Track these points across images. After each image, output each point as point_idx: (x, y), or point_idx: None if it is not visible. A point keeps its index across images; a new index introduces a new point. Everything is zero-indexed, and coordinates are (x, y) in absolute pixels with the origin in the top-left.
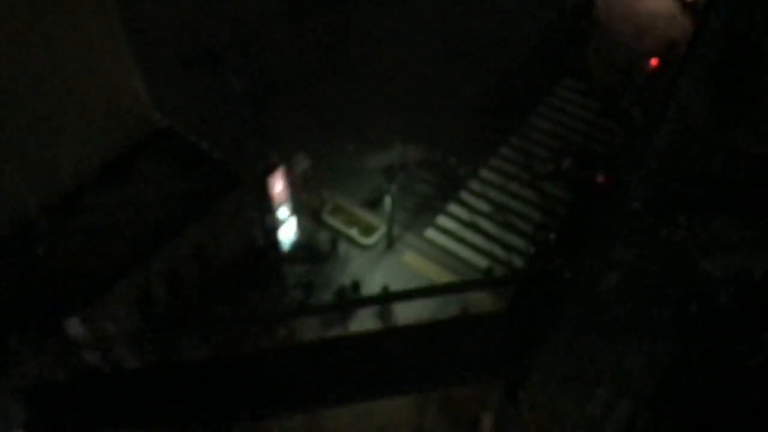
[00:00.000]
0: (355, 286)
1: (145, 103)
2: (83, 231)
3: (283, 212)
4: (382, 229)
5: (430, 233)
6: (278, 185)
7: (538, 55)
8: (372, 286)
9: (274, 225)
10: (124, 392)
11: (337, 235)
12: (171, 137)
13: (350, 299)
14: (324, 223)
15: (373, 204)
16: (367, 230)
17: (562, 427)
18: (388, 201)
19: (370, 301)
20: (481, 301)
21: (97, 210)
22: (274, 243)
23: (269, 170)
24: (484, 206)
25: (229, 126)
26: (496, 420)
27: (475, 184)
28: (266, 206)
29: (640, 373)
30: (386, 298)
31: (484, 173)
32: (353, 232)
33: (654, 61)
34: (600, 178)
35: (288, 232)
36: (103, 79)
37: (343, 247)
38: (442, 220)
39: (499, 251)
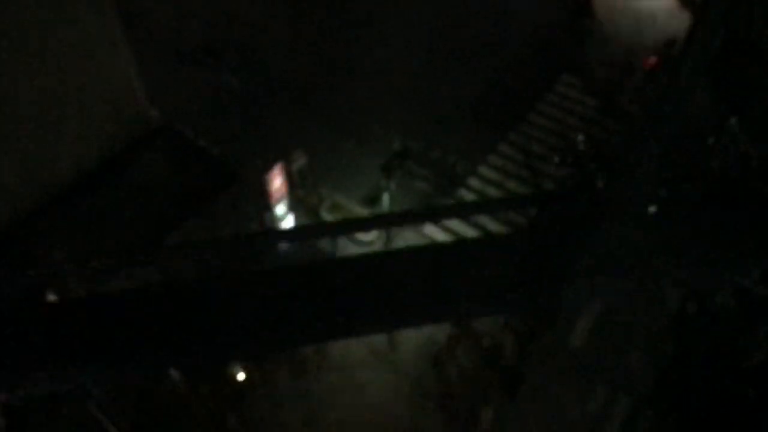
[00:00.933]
0: None
1: (142, 99)
2: (79, 227)
3: (281, 209)
4: None
5: (429, 230)
6: (276, 182)
7: (537, 52)
8: None
9: (272, 222)
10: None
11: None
12: (168, 133)
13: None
14: (322, 220)
15: (372, 201)
16: None
17: (563, 424)
18: (386, 198)
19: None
20: None
21: (93, 206)
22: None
23: (267, 166)
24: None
25: (226, 123)
26: (495, 417)
27: (474, 182)
28: (264, 203)
29: (640, 370)
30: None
31: (483, 170)
32: None
33: (654, 58)
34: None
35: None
36: (100, 74)
37: (341, 244)
38: None
39: None
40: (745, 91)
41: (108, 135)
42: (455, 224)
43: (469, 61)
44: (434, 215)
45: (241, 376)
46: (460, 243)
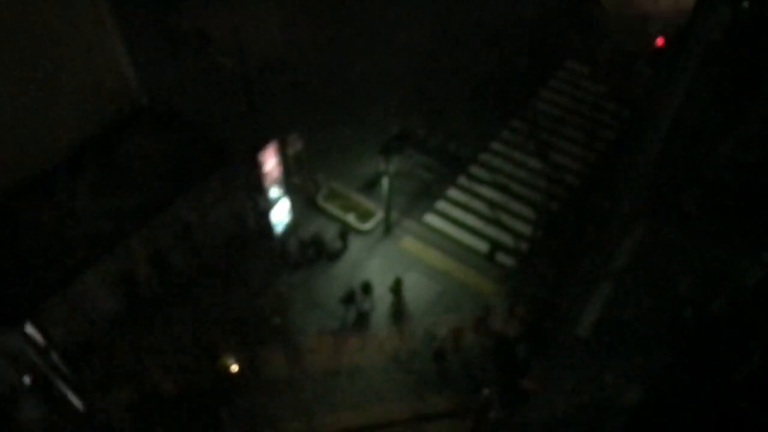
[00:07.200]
0: (366, 287)
1: (132, 80)
2: (66, 208)
3: (275, 192)
4: (380, 215)
5: (430, 218)
6: (270, 163)
7: (541, 38)
8: (370, 272)
9: (266, 206)
10: None
11: (346, 230)
12: (159, 114)
13: None
14: (319, 208)
15: (371, 185)
16: (365, 216)
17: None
18: (385, 183)
19: None
20: (483, 287)
21: (82, 186)
22: (266, 226)
23: (260, 146)
24: (485, 191)
25: (219, 104)
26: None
27: (476, 169)
28: (257, 185)
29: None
30: None
31: (486, 157)
32: (350, 217)
33: (660, 41)
34: None
35: (280, 215)
36: (89, 55)
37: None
38: (442, 205)
39: (500, 236)
40: (749, 73)
41: (97, 115)
42: (457, 213)
43: (472, 47)
44: None
45: (234, 368)
46: None
